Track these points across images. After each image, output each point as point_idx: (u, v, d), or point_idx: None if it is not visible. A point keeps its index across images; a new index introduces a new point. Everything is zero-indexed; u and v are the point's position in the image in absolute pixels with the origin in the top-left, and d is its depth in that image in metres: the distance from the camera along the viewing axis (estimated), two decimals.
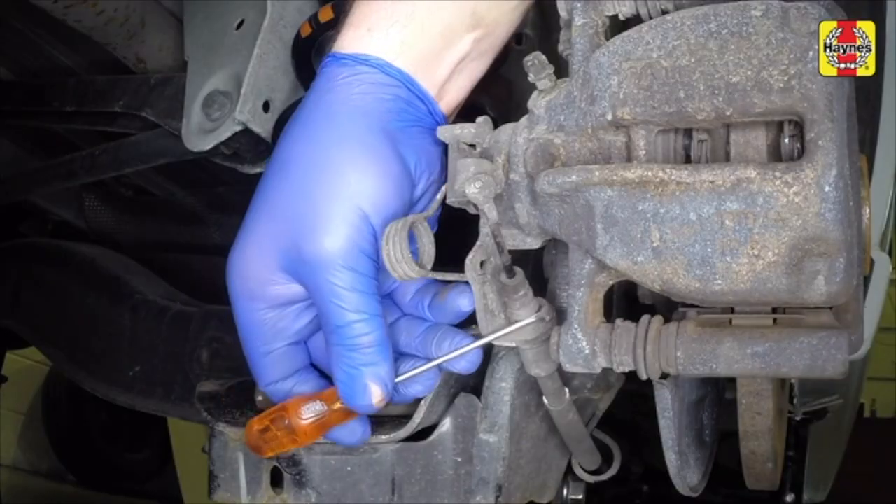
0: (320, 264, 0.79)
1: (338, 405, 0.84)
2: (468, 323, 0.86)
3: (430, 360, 0.83)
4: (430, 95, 0.85)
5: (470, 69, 0.88)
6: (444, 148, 0.85)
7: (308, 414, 0.84)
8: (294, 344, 0.87)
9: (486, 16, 0.85)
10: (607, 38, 0.75)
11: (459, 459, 0.90)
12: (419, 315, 0.88)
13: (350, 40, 0.84)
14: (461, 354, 0.82)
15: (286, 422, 0.84)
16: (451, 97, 0.88)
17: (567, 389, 0.88)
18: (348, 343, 0.80)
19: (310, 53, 1.01)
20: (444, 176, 0.87)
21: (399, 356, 0.87)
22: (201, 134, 1.03)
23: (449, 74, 0.86)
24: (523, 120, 0.81)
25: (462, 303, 0.84)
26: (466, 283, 0.83)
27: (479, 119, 0.83)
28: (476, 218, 0.82)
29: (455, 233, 0.86)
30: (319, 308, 0.81)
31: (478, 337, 0.82)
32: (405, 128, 0.83)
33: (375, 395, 0.81)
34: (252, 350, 0.86)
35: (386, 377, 0.81)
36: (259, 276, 0.83)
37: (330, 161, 0.80)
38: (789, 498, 2.27)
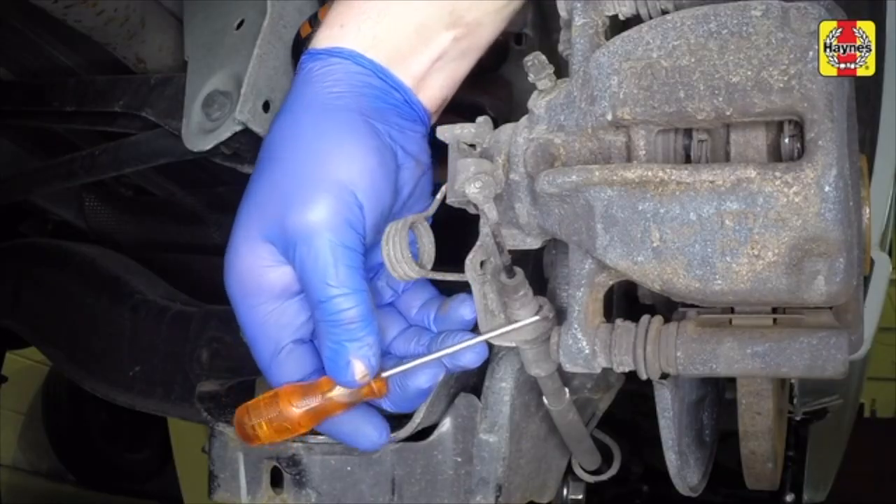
0: (304, 236, 0.78)
1: (333, 392, 0.82)
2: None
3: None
4: (405, 84, 0.86)
5: (451, 68, 0.89)
6: (431, 137, 0.86)
7: (301, 400, 0.82)
8: (300, 342, 0.86)
9: (466, 15, 0.85)
10: (607, 38, 0.75)
11: (459, 459, 0.90)
12: (425, 327, 0.89)
13: (324, 37, 0.86)
14: (466, 347, 0.81)
15: (277, 410, 0.82)
16: (432, 93, 0.89)
17: (567, 389, 0.88)
18: (331, 318, 0.79)
19: None
20: (434, 166, 0.87)
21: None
22: (201, 134, 1.03)
23: (426, 70, 0.87)
24: (523, 120, 0.81)
25: (464, 312, 0.84)
26: (468, 293, 0.82)
27: (479, 119, 0.83)
28: (476, 218, 0.82)
29: (455, 233, 0.86)
30: (304, 284, 0.81)
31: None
32: (379, 109, 0.84)
33: (358, 371, 0.80)
34: (261, 352, 0.86)
35: (370, 353, 0.80)
36: (252, 266, 0.83)
37: (310, 143, 0.81)
38: (789, 498, 2.27)
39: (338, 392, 0.82)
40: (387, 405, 0.86)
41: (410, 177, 0.86)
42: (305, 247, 0.79)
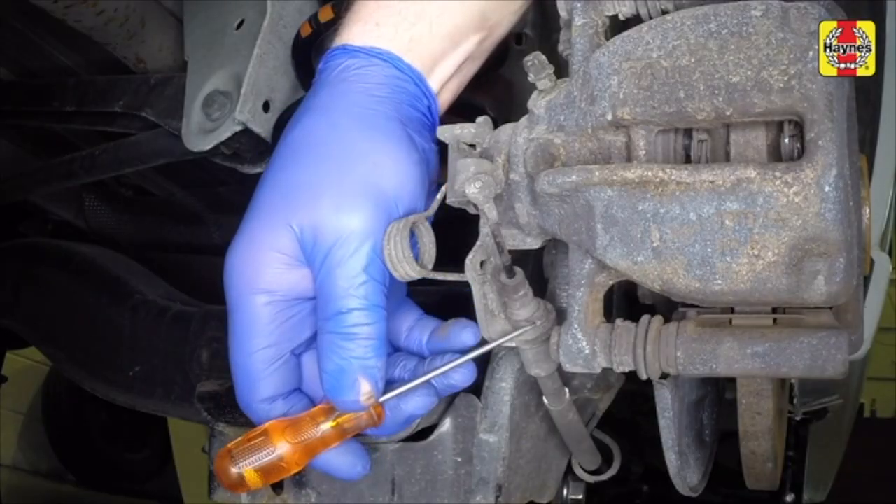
0: (342, 239, 0.75)
1: (331, 422, 0.77)
2: None
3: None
4: (435, 93, 0.85)
5: (467, 69, 0.88)
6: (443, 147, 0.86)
7: (298, 436, 0.76)
8: (295, 356, 0.82)
9: (492, 17, 0.85)
10: (607, 38, 0.75)
11: (459, 459, 0.90)
12: (417, 352, 0.85)
13: (358, 34, 0.83)
14: (454, 367, 0.79)
15: (271, 449, 0.75)
16: (445, 97, 0.88)
17: (567, 389, 0.88)
18: (344, 331, 0.75)
19: (310, 53, 1.01)
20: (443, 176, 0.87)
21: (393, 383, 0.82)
22: (201, 134, 1.03)
23: (451, 74, 0.86)
24: (523, 120, 0.81)
25: (466, 338, 0.81)
26: (468, 317, 0.81)
27: (479, 119, 0.83)
28: (476, 218, 0.82)
29: (455, 233, 0.86)
30: (323, 290, 0.76)
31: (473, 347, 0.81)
32: (412, 118, 0.83)
33: (364, 391, 0.76)
34: (256, 356, 0.79)
35: (378, 375, 0.77)
36: (272, 260, 0.78)
37: (353, 144, 0.78)
38: (789, 498, 2.27)
39: (336, 422, 0.77)
40: (372, 430, 0.82)
41: (434, 189, 0.84)
42: (340, 251, 0.75)
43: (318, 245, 0.76)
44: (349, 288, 0.75)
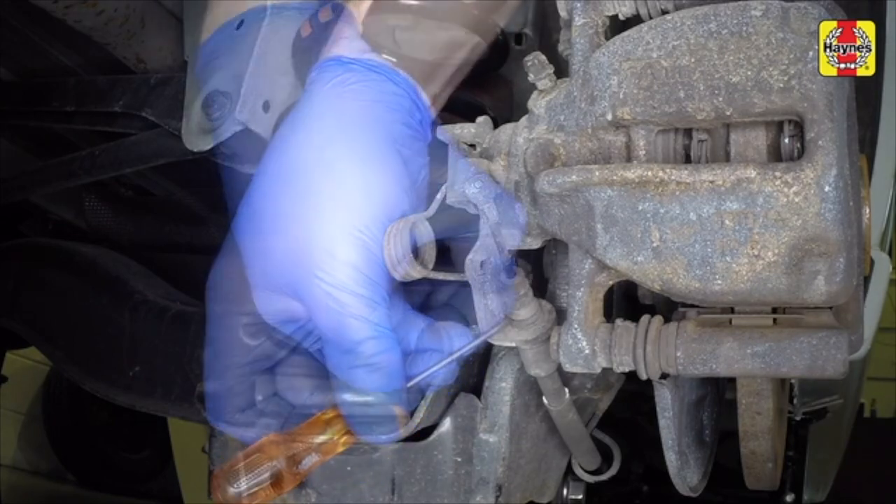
0: (336, 276, 0.74)
1: (323, 437, 0.76)
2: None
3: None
4: (428, 105, 0.84)
5: (458, 77, 0.87)
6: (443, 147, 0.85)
7: (292, 452, 0.75)
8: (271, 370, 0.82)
9: (482, 25, 0.85)
10: (607, 38, 0.75)
11: (459, 459, 0.90)
12: (403, 348, 0.82)
13: (353, 44, 0.82)
14: (442, 367, 0.79)
15: (268, 468, 0.75)
16: (437, 105, 0.87)
17: (567, 389, 0.88)
18: (366, 363, 0.74)
19: (310, 53, 1.01)
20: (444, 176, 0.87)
21: None
22: (201, 134, 1.03)
23: (443, 87, 0.85)
24: (523, 120, 0.81)
25: (460, 345, 0.80)
26: (463, 325, 0.81)
27: (479, 119, 0.83)
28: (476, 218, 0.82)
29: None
30: (330, 327, 0.75)
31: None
32: (406, 136, 0.81)
33: (402, 420, 0.75)
34: (227, 372, 0.79)
35: (405, 399, 0.76)
36: (259, 290, 0.77)
37: (345, 174, 0.77)
38: (789, 498, 2.27)
39: (332, 435, 0.77)
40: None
41: (425, 198, 0.83)
42: (339, 284, 0.74)
43: (313, 280, 0.75)
44: (360, 319, 0.74)
